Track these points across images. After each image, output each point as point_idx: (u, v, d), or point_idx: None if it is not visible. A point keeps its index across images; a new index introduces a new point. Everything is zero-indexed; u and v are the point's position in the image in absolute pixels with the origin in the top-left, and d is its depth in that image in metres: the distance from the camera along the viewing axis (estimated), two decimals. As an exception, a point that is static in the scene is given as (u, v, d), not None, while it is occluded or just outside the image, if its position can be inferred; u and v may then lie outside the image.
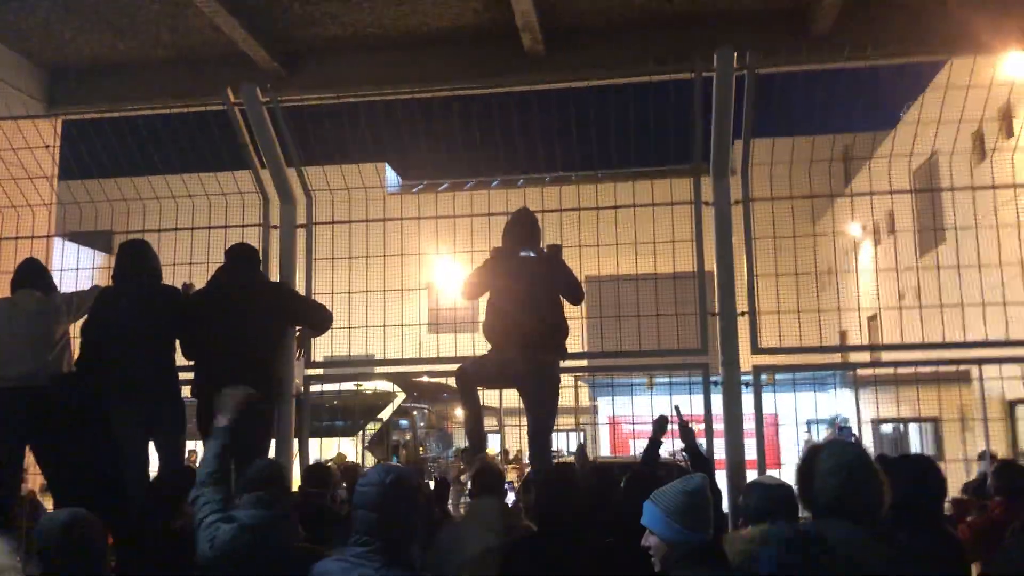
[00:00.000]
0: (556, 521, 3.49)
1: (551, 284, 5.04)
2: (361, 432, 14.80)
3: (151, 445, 5.08)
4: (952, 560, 3.11)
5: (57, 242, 8.40)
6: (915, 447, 16.15)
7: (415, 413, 15.70)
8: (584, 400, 20.35)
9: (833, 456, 2.70)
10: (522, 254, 5.07)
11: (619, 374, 8.94)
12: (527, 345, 4.89)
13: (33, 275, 5.43)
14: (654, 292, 6.04)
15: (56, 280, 5.63)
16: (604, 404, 19.33)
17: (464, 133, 6.48)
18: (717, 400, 5.27)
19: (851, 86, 5.85)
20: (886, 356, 7.79)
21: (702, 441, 5.19)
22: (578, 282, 5.11)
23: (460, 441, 15.92)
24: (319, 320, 5.31)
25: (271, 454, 5.18)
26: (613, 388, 10.99)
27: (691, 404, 5.32)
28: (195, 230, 6.18)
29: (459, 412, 16.13)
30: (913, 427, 16.18)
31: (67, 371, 5.20)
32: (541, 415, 4.95)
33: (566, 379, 5.18)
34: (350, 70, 10.62)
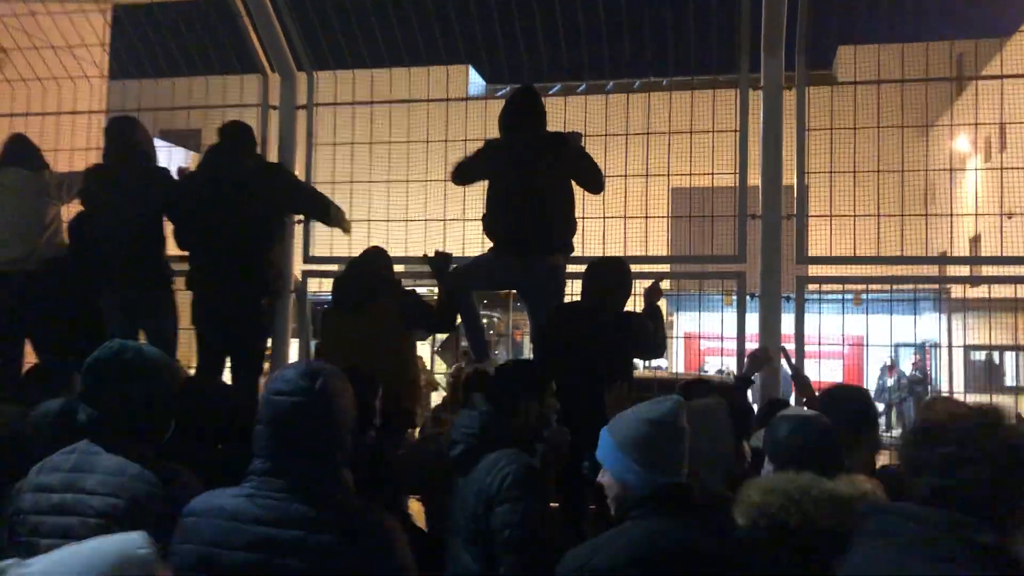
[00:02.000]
0: None
1: (558, 176, 4.43)
2: (432, 336, 14.85)
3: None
4: None
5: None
6: (1010, 377, 15.50)
7: (484, 321, 15.63)
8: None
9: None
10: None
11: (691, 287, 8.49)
12: (524, 245, 4.35)
13: (22, 152, 4.88)
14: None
15: None
16: (686, 320, 18.88)
17: (547, 30, 5.88)
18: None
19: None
20: (984, 274, 7.22)
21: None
22: (597, 169, 4.50)
23: (528, 350, 15.88)
24: (319, 209, 4.76)
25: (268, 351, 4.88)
26: (678, 299, 10.31)
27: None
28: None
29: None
30: (1009, 355, 15.41)
31: (59, 255, 4.83)
32: (542, 321, 4.37)
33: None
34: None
